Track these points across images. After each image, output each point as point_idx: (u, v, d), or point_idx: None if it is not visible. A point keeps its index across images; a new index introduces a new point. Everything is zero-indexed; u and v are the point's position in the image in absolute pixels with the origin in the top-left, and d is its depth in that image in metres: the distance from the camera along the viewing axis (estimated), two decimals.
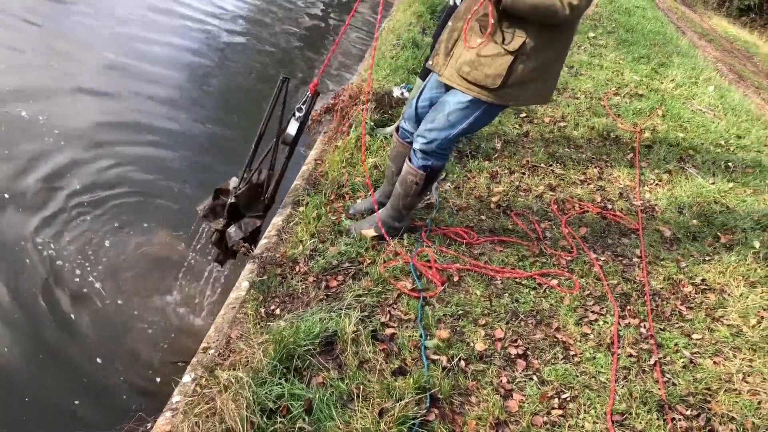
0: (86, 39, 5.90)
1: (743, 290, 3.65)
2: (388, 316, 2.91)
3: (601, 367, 2.90)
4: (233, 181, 3.25)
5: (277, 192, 3.30)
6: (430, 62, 2.95)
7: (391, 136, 4.22)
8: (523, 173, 4.55)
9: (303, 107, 3.10)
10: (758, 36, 16.65)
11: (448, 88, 2.95)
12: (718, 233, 4.23)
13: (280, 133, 3.14)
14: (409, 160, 3.08)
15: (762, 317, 3.44)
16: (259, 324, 2.79)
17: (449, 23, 2.88)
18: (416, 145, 3.00)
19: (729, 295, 3.63)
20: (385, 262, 3.20)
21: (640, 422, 2.64)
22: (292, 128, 3.13)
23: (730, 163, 5.35)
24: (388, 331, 2.81)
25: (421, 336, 2.80)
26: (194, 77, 5.96)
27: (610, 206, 4.40)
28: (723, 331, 3.33)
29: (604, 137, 5.39)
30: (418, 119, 3.18)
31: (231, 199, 3.15)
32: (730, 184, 4.99)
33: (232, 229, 3.17)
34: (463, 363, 2.75)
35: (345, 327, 2.65)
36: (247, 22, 7.90)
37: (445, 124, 2.88)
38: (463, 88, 2.77)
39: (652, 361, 3.00)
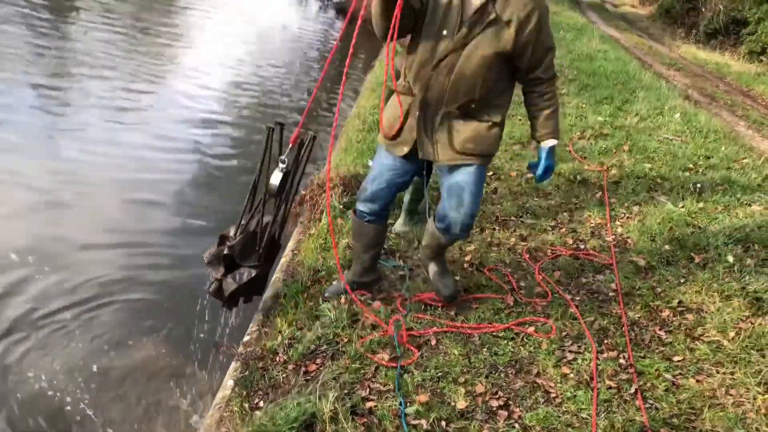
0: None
1: (719, 305, 3.72)
2: (368, 390, 3.00)
3: (582, 403, 2.96)
4: (231, 230, 3.43)
5: (279, 241, 3.48)
6: (420, 153, 3.21)
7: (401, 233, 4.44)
8: (494, 228, 4.70)
9: (285, 158, 3.29)
10: (729, 56, 17.07)
11: (418, 171, 3.36)
12: (692, 254, 4.33)
13: (265, 185, 3.33)
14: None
15: (740, 328, 3.49)
16: (244, 419, 2.89)
17: (412, 116, 3.13)
18: (460, 232, 3.32)
19: (706, 312, 3.69)
20: (361, 338, 3.31)
21: None
22: (275, 179, 3.31)
23: (698, 184, 5.48)
24: (369, 404, 2.90)
25: (400, 404, 2.88)
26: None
27: (582, 246, 4.51)
28: (703, 348, 3.38)
29: (572, 181, 5.56)
30: (372, 199, 3.37)
31: (225, 250, 3.31)
32: (701, 204, 5.11)
33: (228, 279, 3.31)
34: (444, 423, 2.81)
35: (323, 407, 2.75)
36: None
37: (475, 200, 3.23)
38: (472, 160, 3.13)
39: (632, 390, 3.05)
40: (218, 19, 15.10)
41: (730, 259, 4.20)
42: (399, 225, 4.53)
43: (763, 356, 3.25)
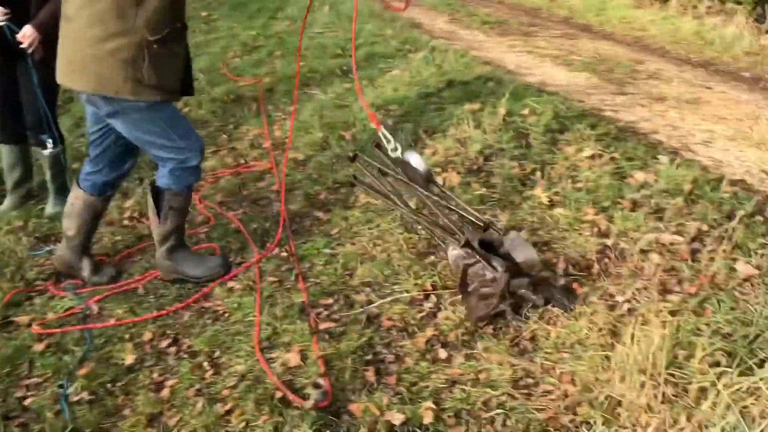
0: None
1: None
2: (25, 388, 2.76)
3: (247, 308, 3.00)
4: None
5: None
6: None
7: None
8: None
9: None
10: None
11: None
12: (341, 132, 4.54)
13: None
14: None
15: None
16: None
17: None
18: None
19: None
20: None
21: (286, 335, 2.78)
22: (415, 159, 3.07)
23: (345, 67, 5.72)
24: (27, 402, 2.68)
25: (60, 386, 2.70)
26: None
27: (243, 161, 4.52)
28: (356, 214, 3.59)
29: (227, 101, 5.51)
30: None
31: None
32: (347, 85, 5.35)
33: None
34: (110, 385, 2.69)
35: None
36: None
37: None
38: None
39: (293, 277, 3.16)
40: None
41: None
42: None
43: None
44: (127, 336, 2.97)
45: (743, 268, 2.63)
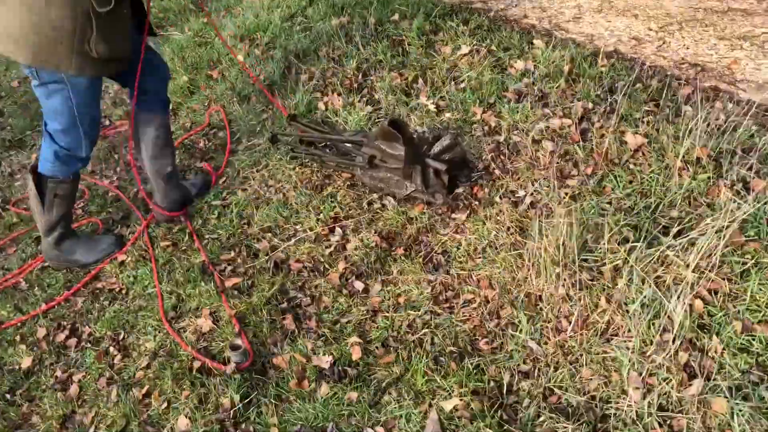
0: None
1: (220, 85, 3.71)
2: None
3: (145, 280, 2.80)
4: None
5: None
6: None
7: None
8: None
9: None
10: None
11: None
12: (208, 72, 4.23)
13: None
14: None
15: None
16: None
17: None
18: None
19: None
20: None
21: (193, 300, 2.61)
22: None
23: (198, 0, 5.30)
24: None
25: None
26: None
27: (108, 122, 4.16)
28: (242, 158, 3.38)
29: None
30: None
31: None
32: (206, 19, 4.97)
33: None
34: (9, 395, 2.46)
35: None
36: None
37: None
38: None
39: (187, 237, 2.96)
40: None
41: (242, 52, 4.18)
42: None
43: None
44: (17, 337, 2.71)
45: (632, 139, 2.66)
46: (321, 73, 3.67)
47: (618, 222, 2.23)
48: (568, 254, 2.11)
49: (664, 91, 2.85)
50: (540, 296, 2.14)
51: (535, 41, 3.47)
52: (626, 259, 2.09)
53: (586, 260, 2.15)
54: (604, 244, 2.14)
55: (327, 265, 2.62)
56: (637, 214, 2.30)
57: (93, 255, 2.96)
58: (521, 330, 2.11)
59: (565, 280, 2.08)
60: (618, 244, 2.14)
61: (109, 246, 2.99)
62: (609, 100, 2.97)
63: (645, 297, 1.94)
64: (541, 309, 2.13)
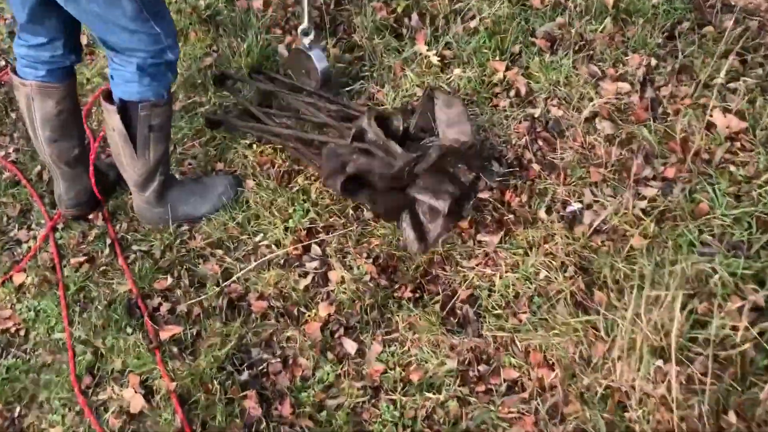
0: None
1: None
2: None
3: (50, 316, 2.03)
4: None
5: None
6: None
7: None
8: None
9: None
10: None
11: None
12: None
13: None
14: None
15: None
16: None
17: None
18: None
19: None
20: None
21: (116, 357, 1.87)
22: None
23: None
24: None
25: None
26: None
27: None
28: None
29: None
30: None
31: None
32: None
33: None
34: None
35: None
36: None
37: None
38: None
39: (108, 249, 2.17)
40: None
41: None
42: None
43: None
44: None
45: (722, 120, 1.91)
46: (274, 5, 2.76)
47: (735, 271, 1.52)
48: (668, 332, 1.40)
49: (747, 38, 2.09)
50: (627, 392, 1.45)
51: None
52: (757, 339, 1.40)
53: (695, 339, 1.45)
54: (718, 315, 1.43)
55: (303, 308, 1.88)
56: (757, 255, 1.59)
57: (209, 202, 2.19)
58: None
59: (666, 374, 1.39)
60: (739, 313, 1.44)
61: (227, 188, 2.21)
62: (673, 52, 2.19)
63: None
64: (627, 413, 1.45)
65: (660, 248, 1.62)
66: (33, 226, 2.33)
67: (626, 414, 1.43)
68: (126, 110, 1.96)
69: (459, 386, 1.62)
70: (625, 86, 2.11)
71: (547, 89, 2.16)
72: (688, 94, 2.04)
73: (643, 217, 1.72)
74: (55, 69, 2.02)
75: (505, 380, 1.59)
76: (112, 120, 1.97)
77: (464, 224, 1.88)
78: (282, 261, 1.99)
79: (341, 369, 1.73)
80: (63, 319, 2.00)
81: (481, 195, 1.93)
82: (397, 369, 1.69)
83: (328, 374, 1.73)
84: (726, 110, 1.94)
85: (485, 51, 2.33)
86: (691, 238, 1.62)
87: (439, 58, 2.36)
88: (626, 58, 2.22)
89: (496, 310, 1.71)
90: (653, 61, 2.18)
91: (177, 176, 2.30)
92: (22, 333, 2.04)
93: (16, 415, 1.84)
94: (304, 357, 1.77)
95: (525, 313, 1.66)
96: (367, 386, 1.68)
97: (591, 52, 2.28)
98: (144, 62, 1.89)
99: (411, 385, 1.65)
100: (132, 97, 1.94)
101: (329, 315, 1.83)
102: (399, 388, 1.65)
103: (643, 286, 1.48)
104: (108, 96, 1.98)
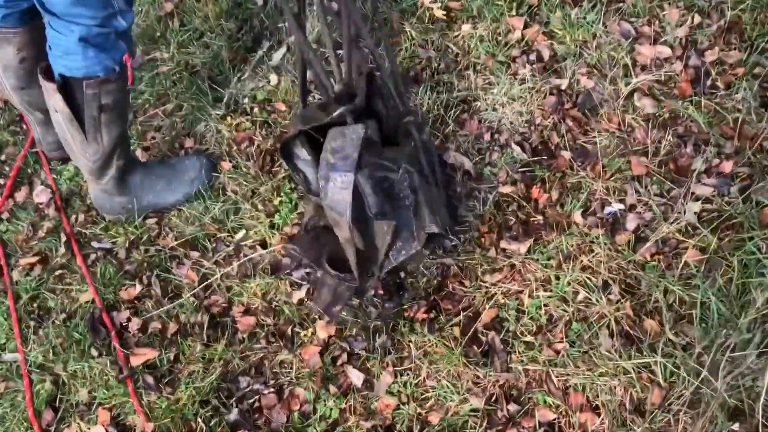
0: None
1: None
2: None
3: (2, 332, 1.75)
4: None
5: None
6: None
7: None
8: None
9: None
10: None
11: None
12: None
13: None
14: None
15: None
16: None
17: None
18: None
19: None
20: None
21: (80, 386, 1.61)
22: None
23: None
24: None
25: None
26: None
27: None
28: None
29: None
30: None
31: None
32: None
33: None
34: None
35: None
36: None
37: None
38: None
39: (63, 246, 1.86)
40: None
41: None
42: None
43: None
44: None
45: None
46: None
47: None
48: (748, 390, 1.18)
49: None
50: None
51: None
52: None
53: None
54: None
55: (297, 327, 1.61)
56: None
57: (179, 189, 1.87)
58: None
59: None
60: None
61: (200, 173, 1.88)
62: (719, 5, 1.88)
63: None
64: None
65: (720, 267, 1.37)
66: None
67: None
68: (69, 88, 1.60)
69: (486, 428, 1.39)
70: (664, 50, 1.80)
71: (573, 52, 1.84)
72: (740, 61, 1.74)
73: (697, 224, 1.46)
74: (11, 13, 1.64)
75: (540, 423, 1.37)
76: (53, 100, 1.62)
77: (483, 227, 1.60)
78: (269, 267, 1.71)
79: (346, 403, 1.49)
80: (15, 336, 1.73)
81: (502, 189, 1.64)
82: (412, 404, 1.46)
83: (331, 409, 1.49)
84: None
85: (499, 2, 1.98)
86: (759, 257, 1.37)
87: (444, 12, 2.00)
88: (663, 13, 1.90)
89: (526, 336, 1.47)
90: (696, 18, 1.86)
91: (140, 157, 1.97)
92: None
93: None
94: (302, 387, 1.53)
95: (561, 342, 1.42)
96: (378, 426, 1.45)
97: (621, 3, 1.94)
98: (88, 32, 1.51)
99: (429, 426, 1.42)
100: (75, 73, 1.57)
101: (329, 335, 1.57)
102: (416, 429, 1.42)
103: (705, 319, 1.24)
104: (47, 71, 1.62)
